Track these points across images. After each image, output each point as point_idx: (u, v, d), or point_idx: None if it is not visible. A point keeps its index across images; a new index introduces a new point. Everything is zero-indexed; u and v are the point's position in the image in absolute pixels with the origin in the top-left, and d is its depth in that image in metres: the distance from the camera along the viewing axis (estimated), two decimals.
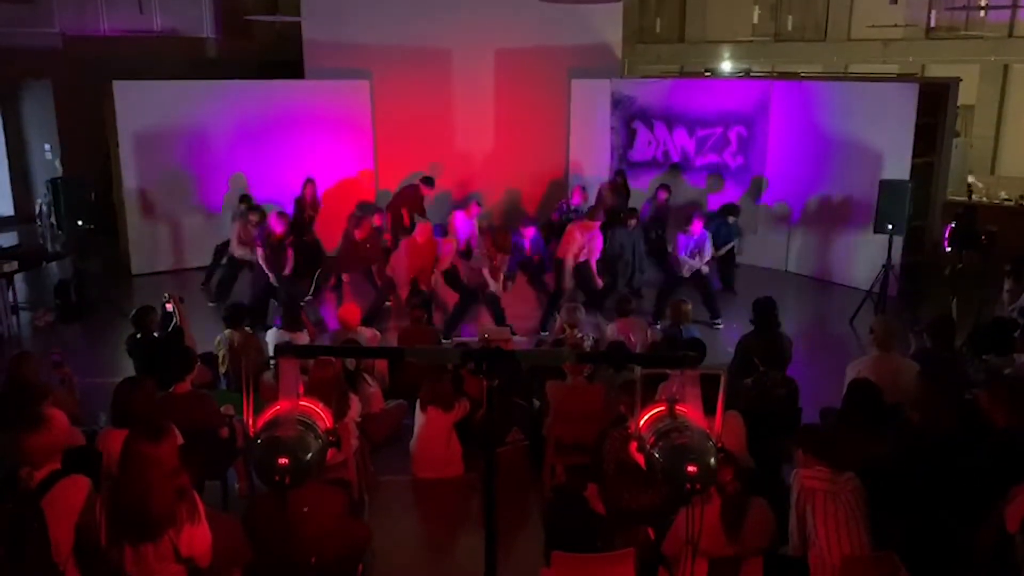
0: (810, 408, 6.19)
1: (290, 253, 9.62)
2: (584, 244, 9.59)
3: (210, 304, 10.01)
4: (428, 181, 11.78)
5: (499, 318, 9.33)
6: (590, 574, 4.26)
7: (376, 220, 10.52)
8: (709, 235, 9.90)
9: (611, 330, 7.77)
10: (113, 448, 4.17)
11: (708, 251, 9.79)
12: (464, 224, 11.27)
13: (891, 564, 4.06)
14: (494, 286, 9.26)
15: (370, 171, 12.94)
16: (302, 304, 9.66)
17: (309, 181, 11.51)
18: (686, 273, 9.74)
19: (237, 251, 10.21)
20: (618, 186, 12.17)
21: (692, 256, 9.69)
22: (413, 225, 10.28)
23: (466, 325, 9.40)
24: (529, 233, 10.17)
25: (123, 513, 3.49)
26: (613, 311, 8.21)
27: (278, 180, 11.97)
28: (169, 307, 6.95)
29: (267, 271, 9.48)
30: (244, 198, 11.05)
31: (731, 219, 10.71)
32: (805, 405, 6.07)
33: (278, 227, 9.52)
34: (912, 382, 5.50)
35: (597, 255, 9.72)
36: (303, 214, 11.05)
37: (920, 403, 4.81)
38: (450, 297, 9.77)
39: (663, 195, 11.52)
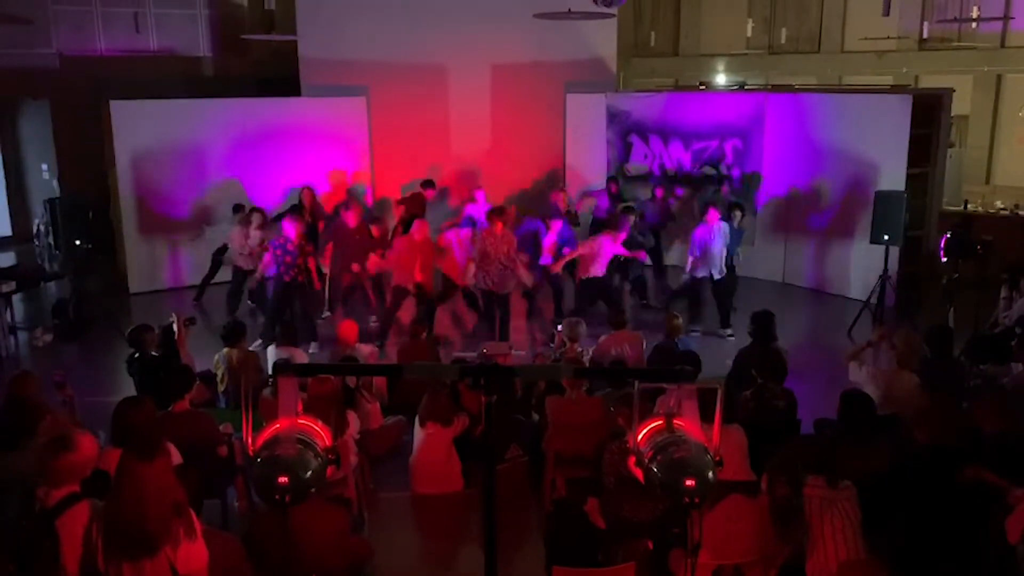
0: (809, 420, 6.21)
1: (311, 262, 9.27)
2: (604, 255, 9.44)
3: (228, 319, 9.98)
4: (428, 184, 11.80)
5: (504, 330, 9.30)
6: None
7: (374, 231, 10.27)
8: (724, 230, 9.63)
9: (604, 343, 7.73)
10: (113, 468, 4.17)
11: (719, 246, 9.51)
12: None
13: (885, 572, 4.08)
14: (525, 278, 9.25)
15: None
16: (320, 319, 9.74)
17: (306, 188, 11.28)
18: (699, 274, 9.59)
19: (240, 261, 10.19)
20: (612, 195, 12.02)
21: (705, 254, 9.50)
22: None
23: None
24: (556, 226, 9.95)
25: (119, 531, 3.50)
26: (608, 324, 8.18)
27: (276, 197, 11.98)
28: (175, 326, 6.99)
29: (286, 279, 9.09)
30: (237, 207, 10.85)
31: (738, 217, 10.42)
32: (803, 416, 6.08)
33: (292, 231, 9.00)
34: (915, 395, 5.53)
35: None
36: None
37: (925, 416, 4.81)
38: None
39: (660, 192, 11.45)
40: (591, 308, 9.41)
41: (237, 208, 10.85)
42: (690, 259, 9.70)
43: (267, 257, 9.15)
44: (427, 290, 9.45)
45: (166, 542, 3.51)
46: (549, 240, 9.91)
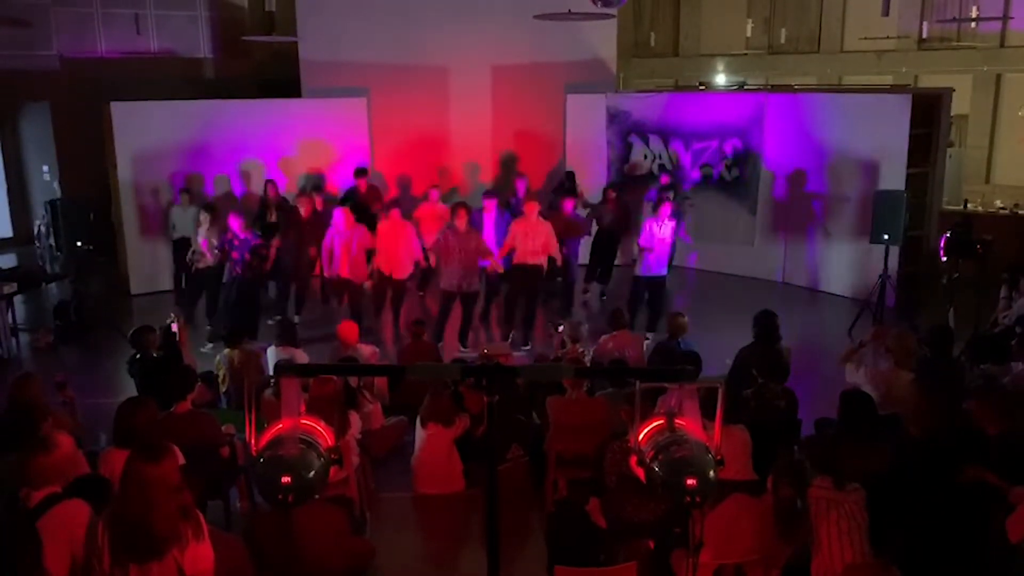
0: (810, 420, 6.21)
1: (272, 252, 9.51)
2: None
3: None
4: (360, 172, 11.69)
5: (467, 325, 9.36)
6: None
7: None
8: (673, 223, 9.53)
9: (604, 343, 7.70)
10: (116, 468, 4.18)
11: (668, 238, 9.39)
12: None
13: (890, 574, 4.09)
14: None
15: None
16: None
17: (269, 182, 11.29)
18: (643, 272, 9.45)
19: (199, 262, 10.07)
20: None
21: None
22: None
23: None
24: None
25: (126, 534, 3.50)
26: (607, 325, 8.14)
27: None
28: (174, 327, 7.00)
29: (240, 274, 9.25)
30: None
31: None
32: (804, 416, 6.09)
33: (234, 224, 9.21)
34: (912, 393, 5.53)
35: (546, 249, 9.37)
36: (267, 216, 10.91)
37: (918, 411, 4.82)
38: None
39: (612, 193, 11.52)
40: (520, 298, 9.46)
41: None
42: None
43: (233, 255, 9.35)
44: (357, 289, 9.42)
45: (173, 544, 3.51)
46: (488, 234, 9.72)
